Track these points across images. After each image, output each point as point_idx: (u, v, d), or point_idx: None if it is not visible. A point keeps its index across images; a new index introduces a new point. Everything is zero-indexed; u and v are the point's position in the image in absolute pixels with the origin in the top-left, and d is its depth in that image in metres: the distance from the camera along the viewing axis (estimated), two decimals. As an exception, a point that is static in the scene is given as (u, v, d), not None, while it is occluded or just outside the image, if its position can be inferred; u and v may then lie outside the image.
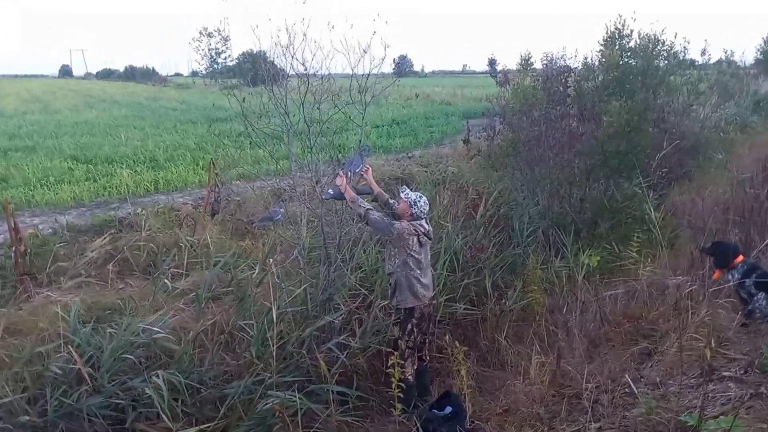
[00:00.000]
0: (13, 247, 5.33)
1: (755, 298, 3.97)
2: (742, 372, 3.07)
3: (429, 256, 4.49)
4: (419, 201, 4.30)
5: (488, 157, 9.74)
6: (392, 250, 4.30)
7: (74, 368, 3.55)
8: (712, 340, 3.20)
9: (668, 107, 10.00)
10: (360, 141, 5.13)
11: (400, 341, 4.31)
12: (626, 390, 3.24)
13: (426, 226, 4.34)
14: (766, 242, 4.93)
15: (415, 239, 4.23)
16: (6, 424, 3.24)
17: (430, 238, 4.41)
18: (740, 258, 4.24)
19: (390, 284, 4.38)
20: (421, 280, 4.29)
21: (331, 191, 4.54)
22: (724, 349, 3.50)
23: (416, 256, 4.25)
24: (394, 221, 4.22)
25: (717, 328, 3.76)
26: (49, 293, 4.88)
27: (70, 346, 3.68)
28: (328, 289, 4.72)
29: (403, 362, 4.17)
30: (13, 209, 5.75)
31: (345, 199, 4.39)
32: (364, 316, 4.86)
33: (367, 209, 4.22)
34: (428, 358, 4.58)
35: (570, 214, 7.50)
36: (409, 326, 4.29)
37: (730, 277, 4.18)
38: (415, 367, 4.38)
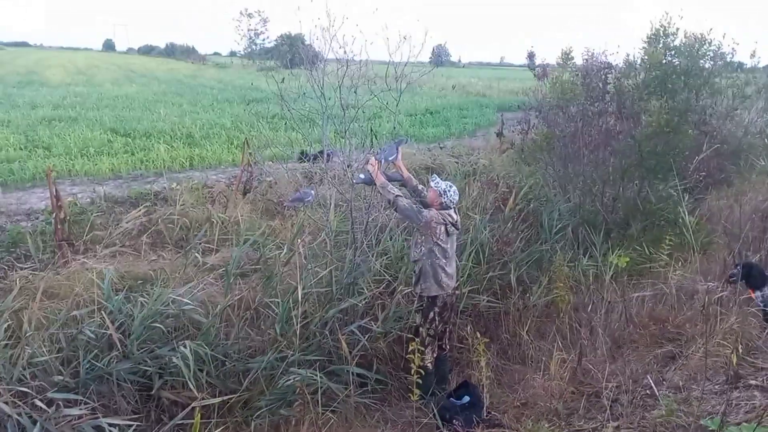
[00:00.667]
0: (54, 214, 5.52)
1: None
2: (769, 382, 3.02)
3: (455, 247, 4.50)
4: (449, 190, 4.30)
5: (521, 151, 9.64)
6: (419, 238, 4.33)
7: (106, 333, 3.68)
8: (739, 347, 3.13)
9: (711, 109, 9.70)
10: (394, 128, 5.15)
11: (421, 328, 4.35)
12: (647, 392, 3.21)
13: (454, 216, 4.35)
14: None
15: (443, 228, 4.24)
16: (41, 381, 3.39)
17: (457, 229, 4.42)
18: None
19: (414, 271, 4.42)
20: (446, 269, 4.31)
21: (362, 176, 4.58)
22: (752, 358, 3.43)
23: (442, 245, 4.27)
24: (423, 209, 4.24)
25: (746, 336, 3.68)
26: (86, 260, 5.05)
27: (103, 312, 3.82)
28: (353, 272, 4.77)
29: (423, 349, 4.20)
30: (54, 177, 5.95)
31: (375, 184, 4.42)
32: (387, 302, 4.91)
33: (397, 195, 4.25)
34: (448, 347, 4.61)
35: (601, 213, 7.39)
36: (431, 314, 4.33)
37: (758, 293, 4.08)
38: (435, 355, 4.41)
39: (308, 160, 6.20)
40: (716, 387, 3.14)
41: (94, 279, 4.25)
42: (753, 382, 3.07)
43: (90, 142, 11.01)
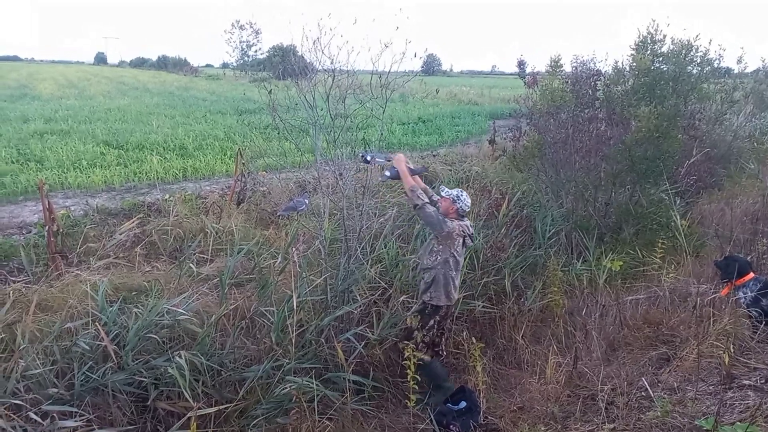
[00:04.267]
0: (47, 227, 5.50)
1: None
2: (763, 381, 3.04)
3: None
4: (461, 196, 4.37)
5: (513, 157, 9.69)
6: (436, 246, 4.34)
7: (101, 345, 3.66)
8: (731, 347, 3.16)
9: (700, 114, 9.82)
10: (381, 134, 5.20)
11: (416, 333, 4.33)
12: (642, 393, 3.23)
13: (471, 228, 4.42)
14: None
15: (461, 240, 4.30)
16: (35, 394, 3.36)
17: (473, 241, 4.49)
18: (751, 275, 4.16)
19: (424, 278, 4.41)
20: (455, 281, 4.37)
21: (388, 173, 4.58)
22: (745, 358, 3.46)
23: (457, 257, 4.34)
24: (447, 219, 4.26)
25: (739, 337, 3.71)
26: (79, 272, 5.03)
27: (97, 324, 3.79)
28: (348, 280, 4.78)
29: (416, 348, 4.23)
30: (47, 190, 5.94)
31: (400, 179, 4.43)
32: (382, 309, 4.91)
33: (425, 202, 4.28)
34: (445, 353, 4.62)
35: (594, 217, 7.44)
36: (432, 322, 4.34)
37: (741, 294, 4.11)
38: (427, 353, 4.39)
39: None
40: (710, 388, 3.17)
41: (88, 291, 4.23)
42: (746, 382, 3.09)
43: (82, 155, 11.00)
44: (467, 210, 4.41)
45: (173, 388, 3.63)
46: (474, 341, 4.19)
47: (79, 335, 3.76)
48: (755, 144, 12.87)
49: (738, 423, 2.40)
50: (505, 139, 12.45)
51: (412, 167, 4.64)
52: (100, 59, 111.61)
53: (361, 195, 5.14)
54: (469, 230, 4.38)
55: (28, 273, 5.19)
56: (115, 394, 3.59)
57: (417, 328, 4.34)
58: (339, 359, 4.02)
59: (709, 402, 2.97)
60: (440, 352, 4.50)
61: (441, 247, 4.30)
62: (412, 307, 4.82)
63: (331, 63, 4.59)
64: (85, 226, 6.43)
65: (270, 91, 4.90)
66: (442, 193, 4.45)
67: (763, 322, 3.86)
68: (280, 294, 4.59)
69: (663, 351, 3.99)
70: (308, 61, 4.90)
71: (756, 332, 3.80)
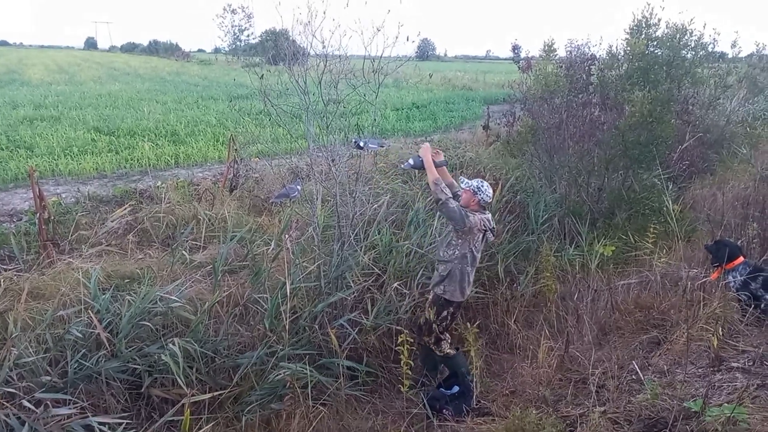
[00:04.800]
0: (38, 214, 5.46)
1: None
2: (751, 363, 3.08)
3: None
4: (482, 186, 4.25)
5: (507, 143, 9.68)
6: (454, 239, 4.23)
7: (93, 333, 3.66)
8: (720, 330, 3.20)
9: (693, 99, 9.81)
10: (374, 120, 5.16)
11: (434, 324, 4.29)
12: (633, 377, 3.26)
13: (492, 222, 4.32)
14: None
15: (481, 236, 4.21)
16: (28, 382, 3.36)
17: (494, 235, 4.39)
18: (740, 259, 4.19)
19: (439, 270, 4.31)
20: (470, 277, 4.29)
21: (411, 161, 4.49)
22: (734, 341, 3.50)
23: (476, 253, 4.25)
24: (470, 214, 4.15)
25: (728, 321, 3.75)
26: (71, 260, 5.00)
27: (90, 312, 3.78)
28: (341, 266, 4.78)
29: (440, 341, 4.27)
30: (37, 177, 5.89)
31: (424, 169, 4.32)
32: (376, 295, 4.93)
33: (448, 197, 4.14)
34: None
35: (587, 203, 7.46)
36: (445, 312, 4.29)
37: (731, 278, 4.14)
38: (449, 343, 4.38)
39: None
40: (699, 370, 3.21)
41: (81, 278, 4.21)
42: (735, 364, 3.13)
43: (73, 142, 10.90)
44: (489, 201, 4.31)
45: (167, 375, 3.64)
46: (468, 326, 4.22)
47: (71, 323, 3.75)
48: (748, 129, 12.91)
49: (725, 404, 2.43)
50: (499, 124, 12.43)
51: (436, 161, 4.48)
52: (91, 44, 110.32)
53: (354, 181, 5.14)
54: (490, 224, 4.26)
55: (19, 261, 5.16)
56: (109, 381, 3.59)
57: (433, 321, 4.27)
58: (333, 345, 4.04)
59: (698, 384, 3.01)
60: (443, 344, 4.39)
61: (460, 241, 4.19)
62: (405, 293, 4.85)
63: (323, 47, 4.55)
64: (77, 214, 6.39)
65: (261, 76, 4.85)
66: (462, 185, 4.34)
67: (752, 306, 3.90)
68: (274, 281, 4.59)
69: (653, 335, 4.02)
70: (300, 45, 4.86)
71: (745, 316, 3.84)
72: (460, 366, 4.26)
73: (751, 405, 2.43)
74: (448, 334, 4.38)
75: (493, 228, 4.33)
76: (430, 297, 4.41)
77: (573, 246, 6.45)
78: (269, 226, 6.46)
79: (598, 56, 8.74)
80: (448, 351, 4.31)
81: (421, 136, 13.66)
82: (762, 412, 2.37)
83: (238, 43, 54.88)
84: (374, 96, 4.72)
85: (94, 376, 3.57)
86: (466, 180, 4.37)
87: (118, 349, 3.68)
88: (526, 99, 8.92)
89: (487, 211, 4.35)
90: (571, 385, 3.50)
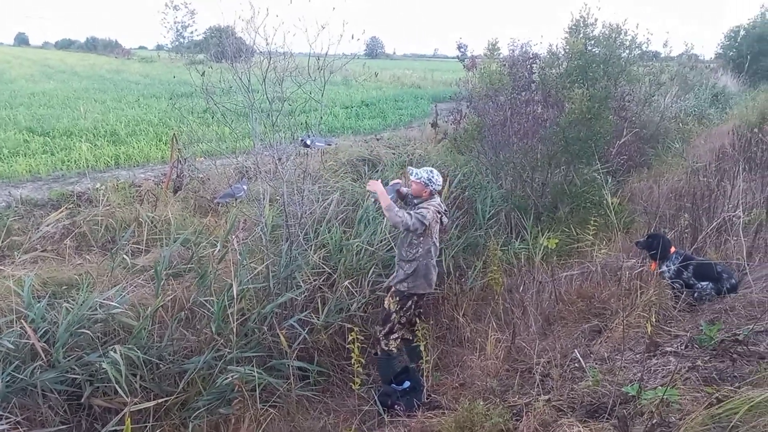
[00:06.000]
0: (-36, 220, 5.16)
1: (700, 285, 4.15)
2: (683, 347, 3.24)
3: None
4: (432, 177, 4.27)
5: (454, 140, 9.83)
6: (415, 239, 4.23)
7: (28, 343, 3.49)
8: (653, 317, 3.35)
9: (629, 96, 10.25)
10: (321, 118, 5.12)
11: (394, 315, 4.31)
12: (576, 365, 3.37)
13: (443, 205, 4.38)
14: (712, 226, 5.16)
15: (438, 226, 4.28)
16: (-45, 398, 3.18)
17: (448, 218, 4.47)
18: (673, 249, 4.43)
19: (404, 269, 4.30)
20: (436, 267, 4.39)
21: (372, 200, 4.63)
22: (668, 327, 3.67)
23: (437, 242, 4.31)
24: (422, 211, 4.13)
25: (663, 307, 3.93)
26: (2, 267, 4.75)
27: (23, 321, 3.61)
28: (290, 266, 4.74)
29: (387, 335, 4.29)
30: (-37, 181, 5.55)
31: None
32: (327, 294, 4.91)
33: (402, 218, 4.08)
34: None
35: (531, 197, 7.67)
36: (410, 302, 4.35)
37: (665, 267, 4.35)
38: (399, 341, 4.39)
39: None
40: (636, 356, 3.35)
41: (12, 287, 4.00)
42: (668, 348, 3.29)
43: (3, 143, 10.29)
44: (439, 189, 4.38)
45: (109, 384, 3.51)
46: (419, 322, 4.26)
47: (2, 334, 3.57)
48: (680, 124, 13.62)
49: (659, 387, 2.55)
50: (446, 122, 12.59)
51: (388, 188, 4.45)
52: (21, 40, 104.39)
53: (302, 180, 5.09)
54: (442, 208, 4.32)
55: (-56, 270, 4.85)
56: (45, 393, 3.45)
57: (395, 311, 4.31)
58: (283, 346, 4.00)
59: (635, 369, 3.14)
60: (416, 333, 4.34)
61: (422, 238, 4.22)
62: (355, 291, 4.85)
63: (267, 44, 4.48)
64: (9, 219, 6.06)
65: (203, 73, 4.73)
66: (411, 176, 4.33)
67: (684, 293, 4.11)
68: (221, 283, 4.50)
69: (595, 323, 4.17)
70: (244, 42, 4.78)
71: (678, 302, 4.04)
72: (390, 372, 4.23)
73: (682, 387, 2.56)
74: (403, 331, 4.38)
75: (446, 211, 4.39)
76: (392, 290, 4.41)
77: (519, 240, 6.61)
78: (215, 227, 6.32)
79: (539, 55, 9.00)
80: (392, 349, 4.32)
81: (370, 134, 13.66)
82: (692, 393, 2.50)
83: (182, 40, 53.27)
84: (320, 94, 4.70)
85: (29, 388, 3.40)
86: (415, 171, 4.38)
87: (55, 359, 3.53)
88: (471, 97, 9.09)
89: (436, 196, 4.40)
90: (518, 375, 3.58)
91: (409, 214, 4.15)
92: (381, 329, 4.40)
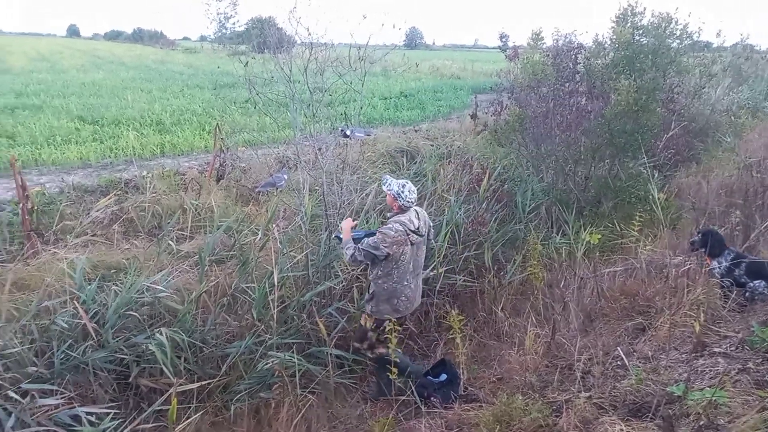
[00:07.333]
0: (21, 204, 5.39)
1: (752, 284, 4.00)
2: (733, 348, 3.13)
3: (423, 255, 4.19)
4: (403, 191, 3.91)
5: (494, 132, 9.70)
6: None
7: (80, 323, 3.63)
8: (702, 316, 3.25)
9: (678, 88, 9.88)
10: (361, 108, 5.11)
11: (370, 333, 4.10)
12: (618, 362, 3.31)
13: (416, 222, 3.96)
14: (766, 224, 4.95)
15: (407, 248, 3.89)
16: (14, 373, 3.34)
17: (420, 235, 3.98)
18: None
19: (368, 289, 4.12)
20: (405, 291, 3.98)
21: (338, 236, 4.21)
22: (717, 327, 3.55)
23: (404, 265, 3.91)
24: (380, 236, 3.83)
25: (711, 307, 3.81)
26: (56, 250, 4.95)
27: (75, 302, 3.76)
28: (329, 255, 4.78)
29: (369, 349, 4.13)
30: (20, 166, 5.80)
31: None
32: (364, 283, 4.94)
33: (352, 254, 3.88)
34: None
35: (574, 191, 7.51)
36: (384, 324, 3.77)
37: (716, 264, 4.20)
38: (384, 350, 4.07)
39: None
40: (682, 356, 3.26)
41: (66, 269, 4.17)
42: (717, 349, 3.18)
43: (56, 131, 10.74)
44: (411, 205, 3.98)
45: (155, 365, 3.63)
46: (454, 314, 4.24)
47: (57, 314, 3.73)
48: (732, 118, 13.05)
49: (707, 388, 2.48)
50: (486, 113, 12.43)
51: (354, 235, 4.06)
52: (73, 32, 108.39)
53: (341, 170, 5.13)
54: (413, 225, 3.89)
55: (2, 251, 5.10)
56: (96, 371, 3.58)
57: (371, 329, 4.09)
58: (321, 334, 4.05)
59: (681, 369, 3.06)
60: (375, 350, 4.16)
61: (384, 262, 3.89)
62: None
63: (309, 35, 4.51)
64: (61, 204, 6.32)
65: (246, 64, 4.80)
66: (383, 187, 4.02)
67: (734, 292, 3.97)
68: (261, 270, 4.58)
69: (638, 321, 4.07)
70: (286, 32, 4.83)
71: (728, 302, 3.91)
72: (403, 365, 4.00)
73: (732, 389, 2.48)
74: (384, 349, 3.99)
75: (417, 228, 3.93)
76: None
77: (560, 234, 6.50)
78: (256, 215, 6.43)
79: (584, 45, 8.77)
80: (381, 351, 4.07)
81: (409, 125, 13.62)
82: (742, 396, 2.42)
83: (224, 30, 54.23)
84: (360, 84, 4.71)
85: (81, 366, 3.55)
86: (389, 179, 4.04)
87: (104, 339, 3.66)
88: (513, 88, 8.94)
89: (412, 209, 4.02)
90: (558, 371, 3.53)
91: (358, 248, 3.86)
92: (359, 345, 4.18)
